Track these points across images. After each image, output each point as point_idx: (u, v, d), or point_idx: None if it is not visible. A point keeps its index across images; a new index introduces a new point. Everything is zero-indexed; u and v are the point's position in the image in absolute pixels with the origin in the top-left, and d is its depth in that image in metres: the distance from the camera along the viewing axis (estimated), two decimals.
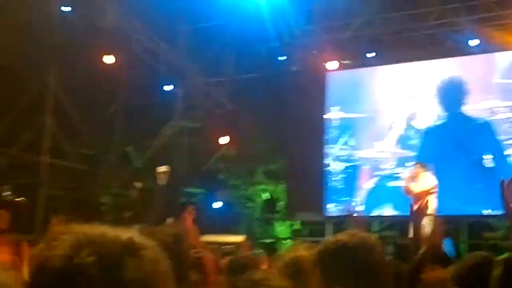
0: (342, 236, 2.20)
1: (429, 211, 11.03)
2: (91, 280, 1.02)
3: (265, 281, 1.95)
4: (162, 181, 12.70)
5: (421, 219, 10.21)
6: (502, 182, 2.34)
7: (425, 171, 11.71)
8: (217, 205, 15.84)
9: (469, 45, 14.16)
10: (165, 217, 11.84)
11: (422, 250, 5.14)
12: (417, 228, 9.77)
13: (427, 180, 11.36)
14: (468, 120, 13.84)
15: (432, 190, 11.23)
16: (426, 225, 10.98)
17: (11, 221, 11.29)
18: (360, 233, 2.33)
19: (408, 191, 11.48)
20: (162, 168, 12.91)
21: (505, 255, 2.40)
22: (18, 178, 13.07)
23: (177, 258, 1.42)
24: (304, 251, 2.81)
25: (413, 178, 11.60)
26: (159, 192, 12.67)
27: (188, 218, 5.97)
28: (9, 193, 11.82)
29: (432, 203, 11.00)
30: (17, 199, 11.88)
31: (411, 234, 11.36)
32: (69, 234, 1.09)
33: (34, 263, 1.11)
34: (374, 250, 2.15)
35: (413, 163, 12.32)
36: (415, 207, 11.30)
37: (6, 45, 12.42)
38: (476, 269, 2.87)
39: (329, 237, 2.32)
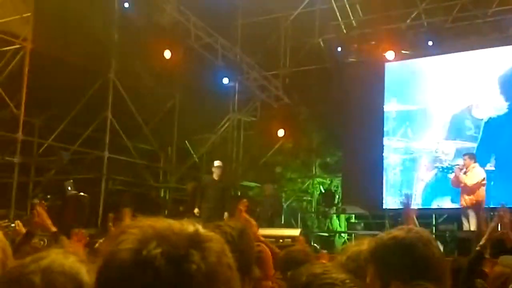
0: (398, 232, 2.19)
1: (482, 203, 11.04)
2: (158, 272, 1.02)
3: (325, 274, 1.92)
4: (215, 175, 12.93)
5: (481, 212, 10.17)
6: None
7: (474, 162, 11.57)
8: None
9: None
10: (218, 211, 12.08)
11: (481, 242, 5.21)
12: (480, 221, 9.70)
13: (477, 172, 11.25)
14: None
15: (482, 182, 11.13)
16: (474, 217, 10.98)
17: (74, 215, 11.72)
18: (416, 228, 2.35)
19: (457, 183, 11.38)
20: (216, 163, 13.18)
21: None
22: (80, 173, 13.52)
23: (242, 252, 1.46)
24: (367, 245, 2.65)
25: (462, 169, 11.50)
26: (214, 186, 12.76)
27: (242, 210, 6.03)
28: (71, 188, 12.16)
29: (483, 195, 10.94)
30: (79, 194, 12.26)
31: (465, 227, 11.33)
32: (136, 228, 1.10)
33: (102, 257, 1.12)
34: (430, 245, 2.14)
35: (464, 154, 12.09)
36: (467, 199, 11.28)
37: (68, 42, 12.74)
38: None
39: (385, 232, 2.28)
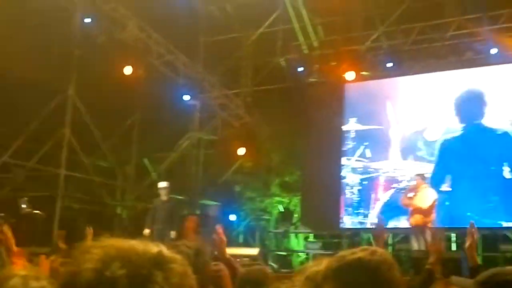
0: (363, 253, 2.08)
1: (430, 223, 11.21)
2: None
3: None
4: (163, 196, 12.86)
5: (429, 231, 10.34)
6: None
7: (425, 183, 11.78)
8: (232, 217, 15.89)
9: (490, 56, 14.11)
10: (168, 231, 12.12)
11: (430, 260, 5.18)
12: (428, 240, 9.83)
13: (426, 193, 11.49)
14: (486, 131, 13.67)
15: (432, 203, 11.31)
16: (429, 237, 11.11)
17: (28, 233, 11.57)
18: (380, 250, 2.24)
19: (406, 204, 11.53)
20: (163, 184, 13.14)
21: None
22: (35, 191, 13.38)
23: (198, 272, 1.38)
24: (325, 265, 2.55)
25: (412, 190, 11.68)
26: (162, 207, 12.72)
27: (190, 228, 6.03)
28: (26, 205, 12.04)
29: (432, 215, 11.13)
30: (34, 212, 12.14)
31: (414, 246, 11.52)
32: (98, 248, 1.09)
33: (64, 276, 1.11)
34: (393, 269, 2.07)
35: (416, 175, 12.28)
36: (417, 219, 11.43)
37: (26, 57, 12.65)
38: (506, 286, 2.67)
39: (348, 252, 2.12)
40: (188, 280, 1.13)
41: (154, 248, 1.11)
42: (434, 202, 11.48)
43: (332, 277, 2.00)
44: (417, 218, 11.48)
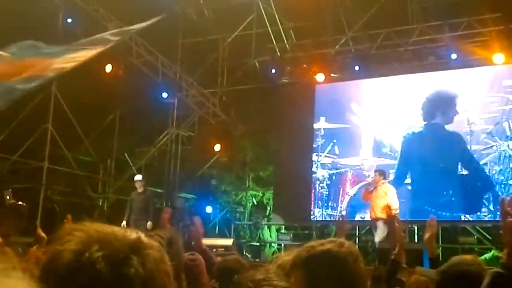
0: (331, 245, 2.13)
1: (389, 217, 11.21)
2: (98, 274, 1.02)
3: (267, 280, 1.91)
4: (139, 188, 12.93)
5: (393, 224, 10.29)
6: (503, 200, 2.26)
7: (384, 179, 11.80)
8: (209, 209, 15.83)
9: (450, 60, 14.21)
10: (144, 221, 12.20)
11: (395, 251, 5.25)
12: (393, 232, 9.82)
13: (385, 188, 11.45)
14: (445, 130, 13.90)
15: (390, 197, 11.34)
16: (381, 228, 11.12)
17: (12, 224, 11.34)
18: (347, 242, 2.30)
19: (366, 197, 11.58)
20: (138, 177, 13.23)
21: (494, 270, 2.27)
22: (19, 183, 13.12)
23: (171, 260, 1.48)
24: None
25: (371, 185, 11.70)
26: (138, 199, 12.83)
27: (166, 218, 5.99)
28: (10, 197, 11.84)
29: (389, 208, 11.16)
30: (18, 203, 11.93)
31: (376, 238, 11.51)
32: (81, 231, 1.10)
33: (47, 256, 1.12)
34: (358, 261, 2.13)
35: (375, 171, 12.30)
36: (376, 212, 11.42)
37: None
38: (465, 274, 2.76)
39: (317, 243, 2.18)
40: (164, 266, 1.14)
41: (133, 234, 1.13)
42: (392, 195, 11.47)
43: (301, 265, 2.08)
44: (376, 211, 11.48)
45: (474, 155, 13.52)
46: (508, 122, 13.32)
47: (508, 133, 13.30)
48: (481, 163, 13.42)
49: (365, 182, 12.79)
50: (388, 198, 11.38)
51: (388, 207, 11.30)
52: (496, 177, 13.28)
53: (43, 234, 6.49)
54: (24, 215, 12.15)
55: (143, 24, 8.33)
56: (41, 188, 13.48)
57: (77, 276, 1.03)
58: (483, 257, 12.97)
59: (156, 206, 15.03)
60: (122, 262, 1.05)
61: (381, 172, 12.19)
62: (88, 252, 1.04)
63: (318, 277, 2.03)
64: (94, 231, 1.10)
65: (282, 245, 14.79)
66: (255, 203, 16.93)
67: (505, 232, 2.21)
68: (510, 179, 13.10)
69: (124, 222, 12.32)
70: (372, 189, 11.66)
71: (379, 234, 11.24)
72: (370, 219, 11.92)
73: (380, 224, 11.34)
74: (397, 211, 11.28)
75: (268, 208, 16.54)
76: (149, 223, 12.26)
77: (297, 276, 2.06)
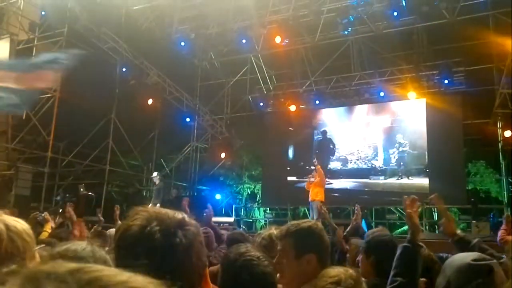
0: (310, 223, 2.10)
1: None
2: (155, 242, 1.02)
3: (246, 252, 1.85)
4: (156, 182, 12.17)
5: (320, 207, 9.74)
6: (404, 199, 2.25)
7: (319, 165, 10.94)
8: (218, 197, 15.75)
9: (379, 97, 14.32)
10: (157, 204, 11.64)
11: (349, 228, 5.22)
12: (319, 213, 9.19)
13: (317, 180, 10.65)
14: None
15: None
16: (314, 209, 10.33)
17: (84, 208, 11.32)
18: (319, 221, 2.30)
19: (308, 187, 10.77)
20: (154, 174, 12.48)
21: (403, 244, 2.14)
22: (89, 180, 13.17)
23: None
24: (274, 230, 2.65)
25: (311, 178, 10.86)
26: (155, 189, 12.19)
27: (185, 205, 5.95)
28: (83, 189, 11.81)
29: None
30: (89, 193, 11.92)
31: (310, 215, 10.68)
32: (145, 211, 1.09)
33: (121, 227, 1.11)
34: (325, 233, 2.11)
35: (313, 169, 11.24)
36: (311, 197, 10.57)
37: (84, 93, 12.34)
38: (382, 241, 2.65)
39: (300, 222, 2.10)
40: (199, 238, 1.13)
41: (179, 215, 1.12)
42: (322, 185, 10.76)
43: (291, 235, 2.01)
44: (311, 196, 10.58)
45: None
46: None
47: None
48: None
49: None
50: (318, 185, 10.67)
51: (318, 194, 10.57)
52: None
53: (101, 218, 6.45)
54: (92, 202, 12.19)
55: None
56: (104, 183, 13.54)
57: (141, 243, 1.03)
58: (402, 228, 13.02)
59: (181, 195, 14.99)
60: (172, 234, 1.05)
61: (317, 158, 11.76)
62: (149, 227, 1.05)
63: (303, 243, 1.99)
64: (153, 212, 1.10)
65: (267, 221, 14.69)
66: (249, 193, 16.83)
67: (407, 220, 2.23)
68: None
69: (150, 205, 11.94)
70: (311, 181, 10.90)
71: (314, 213, 10.29)
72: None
73: (313, 205, 10.48)
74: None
75: (258, 196, 16.48)
76: (158, 205, 11.33)
77: (286, 243, 2.01)
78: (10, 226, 1.38)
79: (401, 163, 13.57)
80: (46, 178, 11.87)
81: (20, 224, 1.42)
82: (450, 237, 2.78)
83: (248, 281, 1.73)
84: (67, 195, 12.02)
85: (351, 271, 1.71)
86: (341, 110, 15.07)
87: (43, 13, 12.44)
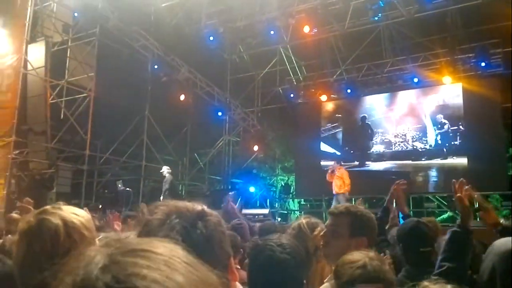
0: (361, 207, 2.26)
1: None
2: (176, 234, 1.02)
3: (271, 240, 1.84)
4: (166, 175, 12.02)
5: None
6: (453, 183, 2.32)
7: (340, 165, 11.38)
8: (252, 189, 15.73)
9: (413, 83, 13.93)
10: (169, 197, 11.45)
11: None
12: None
13: (341, 172, 11.04)
14: None
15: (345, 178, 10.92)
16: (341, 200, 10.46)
17: (123, 203, 11.61)
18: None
19: (329, 178, 11.04)
20: (164, 168, 12.26)
21: (453, 228, 2.21)
22: (126, 175, 13.50)
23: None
24: (303, 219, 2.69)
25: (332, 169, 11.19)
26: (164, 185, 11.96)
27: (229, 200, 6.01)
28: (121, 185, 12.11)
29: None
30: (126, 189, 12.21)
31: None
32: (165, 206, 1.10)
33: (142, 222, 1.11)
34: (373, 217, 2.23)
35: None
36: (334, 189, 10.72)
37: (118, 91, 12.61)
38: (413, 230, 2.68)
39: (354, 206, 2.30)
40: (220, 228, 1.12)
41: (199, 206, 1.12)
42: (345, 177, 11.02)
43: (348, 214, 2.14)
44: (335, 188, 10.93)
45: None
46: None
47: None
48: None
49: (329, 167, 11.84)
50: (344, 179, 10.94)
51: (343, 185, 10.82)
52: None
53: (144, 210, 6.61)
54: (131, 197, 12.47)
55: None
56: (141, 178, 13.81)
57: (162, 236, 1.01)
58: (441, 217, 12.71)
59: (216, 188, 15.12)
60: (191, 225, 1.05)
61: (338, 161, 11.85)
62: (169, 220, 1.05)
63: (360, 225, 2.09)
64: (173, 206, 1.10)
65: (302, 212, 14.46)
66: (283, 185, 16.81)
67: (457, 204, 2.21)
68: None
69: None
70: (332, 172, 11.11)
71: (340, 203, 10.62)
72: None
73: (339, 197, 10.81)
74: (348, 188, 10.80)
75: (292, 188, 16.40)
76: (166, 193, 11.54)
77: (343, 220, 2.12)
78: (68, 221, 1.39)
79: (446, 144, 13.20)
80: (85, 176, 12.22)
81: (78, 218, 1.43)
82: (494, 227, 2.68)
83: (266, 267, 1.74)
84: (106, 190, 12.38)
85: (371, 253, 1.71)
86: (373, 98, 14.77)
87: (75, 14, 12.76)
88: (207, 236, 1.06)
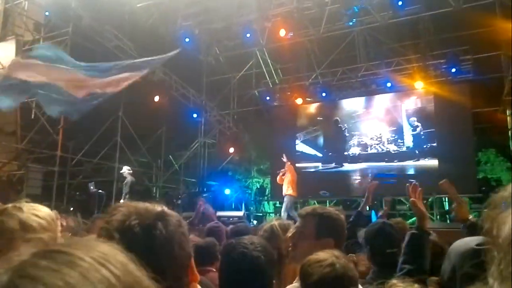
0: (330, 209, 2.21)
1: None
2: (135, 235, 1.03)
3: (243, 240, 1.84)
4: (127, 176, 11.76)
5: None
6: (407, 186, 2.37)
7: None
8: (227, 191, 15.72)
9: (386, 87, 14.14)
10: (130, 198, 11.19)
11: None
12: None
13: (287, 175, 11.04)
14: None
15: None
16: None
17: (95, 206, 11.40)
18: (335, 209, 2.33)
19: (279, 181, 11.15)
20: (124, 169, 11.97)
21: (411, 231, 2.25)
22: (99, 177, 13.26)
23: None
24: (275, 221, 2.71)
25: (282, 172, 11.21)
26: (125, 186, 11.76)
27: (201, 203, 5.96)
28: (93, 187, 11.88)
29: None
30: (99, 191, 11.99)
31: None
32: (124, 207, 1.10)
33: (103, 223, 1.11)
34: (341, 218, 2.20)
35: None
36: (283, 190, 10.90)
37: None
38: (379, 231, 2.72)
39: (320, 208, 2.24)
40: (180, 229, 1.12)
41: (159, 207, 1.12)
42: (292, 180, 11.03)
43: (315, 215, 2.14)
44: (283, 190, 10.99)
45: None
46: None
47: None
48: None
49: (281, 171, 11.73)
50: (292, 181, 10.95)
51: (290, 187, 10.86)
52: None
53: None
54: (103, 199, 12.24)
55: (165, 56, 7.30)
56: (113, 180, 13.60)
57: (122, 237, 1.03)
58: (412, 219, 12.91)
59: (191, 191, 15.01)
60: (150, 226, 1.05)
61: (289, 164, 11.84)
62: (128, 221, 1.05)
63: (326, 226, 2.08)
64: (132, 207, 1.10)
65: (277, 214, 14.40)
66: (258, 187, 16.82)
67: (412, 207, 2.25)
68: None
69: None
70: (282, 175, 11.13)
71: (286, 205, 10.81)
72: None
73: (286, 198, 10.90)
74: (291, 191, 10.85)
75: (267, 190, 16.43)
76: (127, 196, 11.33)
77: (309, 221, 2.12)
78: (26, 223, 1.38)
79: (418, 146, 13.42)
80: (57, 177, 11.96)
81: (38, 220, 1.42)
82: (462, 222, 2.73)
83: (238, 264, 1.74)
84: (77, 193, 12.11)
85: (335, 252, 1.73)
86: (347, 102, 14.92)
87: (47, 13, 12.48)
88: (166, 237, 1.06)
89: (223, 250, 1.90)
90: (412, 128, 13.55)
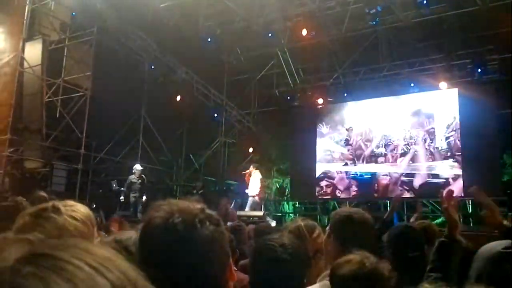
0: (351, 211, 2.23)
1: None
2: (178, 233, 1.04)
3: (273, 240, 1.85)
4: (137, 174, 11.89)
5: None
6: (440, 193, 2.31)
7: (256, 169, 11.86)
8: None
9: (409, 87, 13.94)
10: (140, 197, 11.66)
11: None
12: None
13: (256, 175, 11.48)
14: None
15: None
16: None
17: (117, 202, 11.58)
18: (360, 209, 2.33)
19: (246, 180, 11.67)
20: (137, 167, 12.10)
21: (440, 239, 2.19)
22: (121, 176, 13.42)
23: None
24: (301, 222, 2.65)
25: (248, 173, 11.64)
26: (136, 181, 11.83)
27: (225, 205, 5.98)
28: (115, 185, 12.07)
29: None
30: (121, 189, 12.17)
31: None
32: (166, 205, 1.11)
33: (145, 221, 1.13)
34: (370, 221, 2.16)
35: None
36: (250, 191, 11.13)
37: (114, 91, 12.62)
38: (401, 234, 2.70)
39: (341, 211, 2.23)
40: (220, 228, 1.13)
41: (199, 206, 1.13)
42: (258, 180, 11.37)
43: (331, 226, 2.17)
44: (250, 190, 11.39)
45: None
46: None
47: None
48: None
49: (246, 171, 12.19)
50: (256, 181, 11.26)
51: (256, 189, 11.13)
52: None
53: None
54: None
55: None
56: None
57: (166, 234, 1.05)
58: (434, 222, 12.72)
59: (211, 190, 15.07)
60: (194, 225, 1.07)
61: (254, 165, 12.11)
62: (172, 218, 1.06)
63: (345, 234, 2.09)
64: (175, 205, 1.11)
65: (297, 215, 14.55)
66: (278, 187, 16.76)
67: (445, 214, 2.20)
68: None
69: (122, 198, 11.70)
70: (248, 175, 11.49)
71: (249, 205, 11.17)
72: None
73: (252, 199, 11.18)
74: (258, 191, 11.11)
75: (287, 190, 16.36)
76: (144, 197, 11.56)
77: (341, 223, 2.14)
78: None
79: (440, 149, 13.18)
80: (80, 175, 12.19)
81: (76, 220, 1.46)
82: (497, 229, 2.63)
83: (268, 268, 1.75)
84: (100, 190, 12.32)
85: (365, 253, 1.73)
86: (369, 103, 14.68)
87: (73, 13, 12.76)
88: (208, 235, 1.07)
89: (252, 252, 1.91)
90: (436, 130, 13.33)
